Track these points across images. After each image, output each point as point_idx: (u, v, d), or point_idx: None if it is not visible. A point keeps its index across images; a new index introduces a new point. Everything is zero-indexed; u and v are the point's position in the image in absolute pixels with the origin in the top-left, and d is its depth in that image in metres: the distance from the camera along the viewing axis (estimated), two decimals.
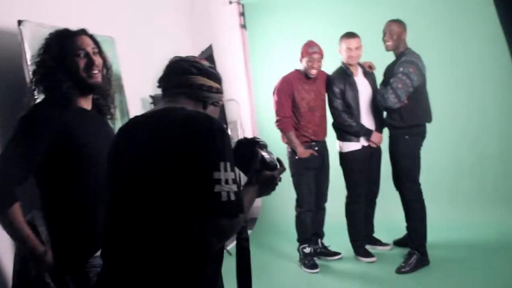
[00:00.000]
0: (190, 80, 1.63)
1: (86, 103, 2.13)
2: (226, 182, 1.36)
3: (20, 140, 1.96)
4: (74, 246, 2.00)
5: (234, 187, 1.38)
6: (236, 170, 1.50)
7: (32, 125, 1.96)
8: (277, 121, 4.20)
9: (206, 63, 1.70)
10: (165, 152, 1.41)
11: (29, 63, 3.12)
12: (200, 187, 1.36)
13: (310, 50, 4.08)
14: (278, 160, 1.73)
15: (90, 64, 2.06)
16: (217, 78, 1.71)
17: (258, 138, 1.73)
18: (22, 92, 3.04)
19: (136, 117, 1.63)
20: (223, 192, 1.35)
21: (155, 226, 1.40)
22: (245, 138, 1.74)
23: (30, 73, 3.03)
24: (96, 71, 2.08)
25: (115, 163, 1.57)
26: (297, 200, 4.32)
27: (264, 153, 1.68)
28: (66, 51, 2.05)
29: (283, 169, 1.73)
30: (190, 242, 1.39)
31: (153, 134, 1.47)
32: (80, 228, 2.00)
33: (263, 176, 1.65)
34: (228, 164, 1.39)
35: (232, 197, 1.36)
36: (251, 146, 1.69)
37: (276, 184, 1.70)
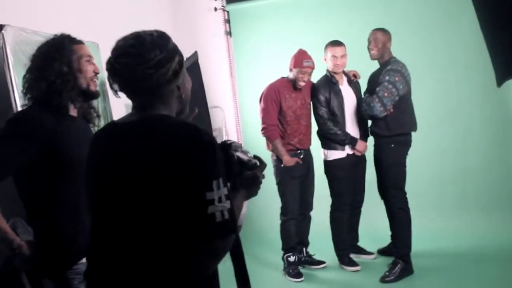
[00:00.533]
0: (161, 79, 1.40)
1: (74, 110, 2.11)
2: (220, 200, 1.30)
3: (6, 139, 1.92)
4: (57, 253, 1.96)
5: (228, 204, 1.31)
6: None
7: (22, 128, 1.93)
8: (263, 129, 4.18)
9: (155, 33, 1.44)
10: (154, 170, 1.33)
11: (11, 67, 3.09)
12: (192, 209, 1.30)
13: (305, 63, 4.05)
14: (257, 157, 1.66)
15: (95, 72, 2.08)
16: (175, 50, 1.45)
17: (230, 140, 1.64)
18: (4, 96, 3.02)
19: (115, 125, 1.50)
20: (217, 213, 1.29)
21: (147, 250, 1.33)
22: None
23: (13, 75, 3.04)
24: (96, 79, 2.09)
25: (97, 175, 1.47)
26: (282, 208, 4.30)
27: (239, 154, 1.60)
28: (77, 57, 2.04)
29: (263, 165, 1.66)
30: (185, 266, 1.34)
31: (138, 150, 1.37)
32: (63, 237, 1.97)
33: (246, 178, 1.59)
34: (221, 180, 1.32)
35: (226, 216, 1.30)
36: (225, 150, 1.58)
37: (260, 182, 1.64)
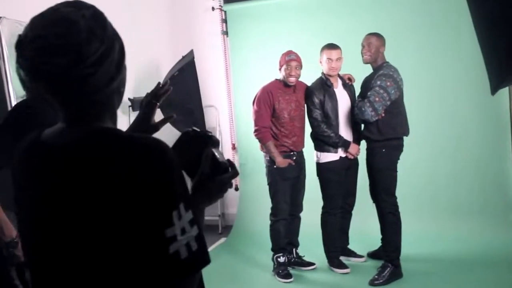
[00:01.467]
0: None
1: None
2: (183, 232, 1.02)
3: (6, 128, 1.96)
4: None
5: (194, 231, 1.04)
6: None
7: (22, 117, 1.95)
8: (255, 131, 4.20)
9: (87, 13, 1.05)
10: (99, 211, 1.00)
11: (6, 59, 3.09)
12: (149, 253, 1.01)
13: (287, 57, 4.10)
14: (231, 162, 1.36)
15: None
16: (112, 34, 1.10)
17: (210, 132, 1.37)
18: None
19: (44, 145, 1.12)
20: (181, 248, 1.01)
21: None
22: (194, 131, 1.36)
23: (8, 67, 3.04)
24: None
25: (26, 207, 1.15)
26: (272, 209, 4.32)
27: (217, 154, 1.34)
28: None
29: (235, 173, 1.34)
30: None
31: (80, 185, 1.02)
32: None
33: (216, 182, 1.29)
34: (182, 206, 1.03)
35: (194, 247, 1.03)
36: (201, 143, 1.34)
37: (226, 190, 1.33)
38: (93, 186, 1.01)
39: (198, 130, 1.36)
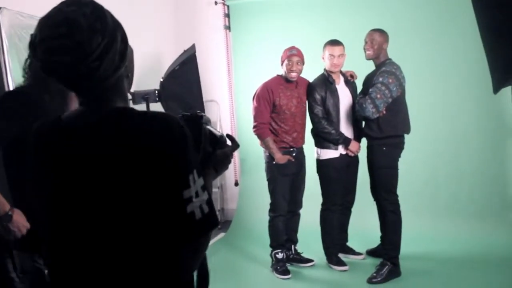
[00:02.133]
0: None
1: (76, 98, 2.12)
2: (197, 195, 1.17)
3: (5, 111, 1.99)
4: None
5: (205, 195, 1.19)
6: None
7: (15, 104, 1.98)
8: (254, 127, 4.19)
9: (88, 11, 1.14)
10: (123, 176, 1.15)
11: (5, 50, 3.08)
12: (169, 211, 1.16)
13: (289, 52, 4.09)
14: (230, 136, 1.54)
15: None
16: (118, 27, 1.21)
17: (199, 112, 1.47)
18: None
19: (65, 124, 1.25)
20: (196, 209, 1.16)
21: (122, 261, 1.18)
22: (184, 115, 1.45)
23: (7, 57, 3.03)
24: None
25: (53, 185, 1.25)
26: (271, 205, 4.31)
27: (211, 129, 1.47)
28: None
29: (236, 146, 1.53)
30: (168, 271, 1.21)
31: (103, 155, 1.17)
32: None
33: (217, 156, 1.45)
34: (195, 172, 1.19)
35: (206, 210, 1.18)
36: (195, 124, 1.43)
37: (230, 161, 1.50)
38: (119, 158, 1.15)
39: (189, 113, 1.45)
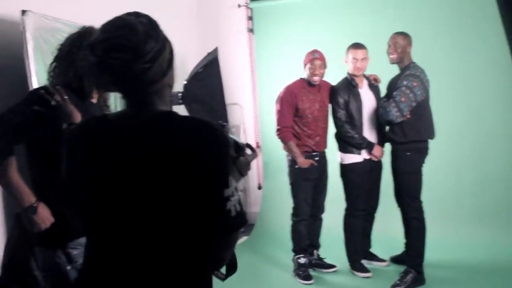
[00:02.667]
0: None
1: (95, 96, 2.20)
2: (233, 194, 1.30)
3: (29, 103, 2.03)
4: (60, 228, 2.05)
5: (238, 195, 1.33)
6: None
7: (41, 99, 2.02)
8: (277, 130, 4.17)
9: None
10: (167, 174, 1.26)
11: (30, 52, 3.11)
12: (210, 207, 1.28)
13: (311, 56, 4.07)
14: (249, 145, 1.72)
15: None
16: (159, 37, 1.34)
17: (222, 122, 1.56)
18: (21, 79, 3.06)
19: (112, 124, 1.36)
20: (232, 207, 1.29)
21: (161, 247, 1.30)
22: None
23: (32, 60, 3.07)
24: None
25: (99, 180, 1.33)
26: (294, 209, 4.28)
27: (234, 138, 1.61)
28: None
29: (255, 154, 1.72)
30: (202, 263, 1.35)
31: (149, 153, 1.27)
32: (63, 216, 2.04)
33: (242, 161, 1.63)
34: (232, 174, 1.34)
35: (238, 208, 1.31)
36: None
37: (250, 168, 1.69)
38: (165, 157, 1.26)
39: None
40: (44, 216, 2.06)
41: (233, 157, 1.54)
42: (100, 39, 1.26)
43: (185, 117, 1.34)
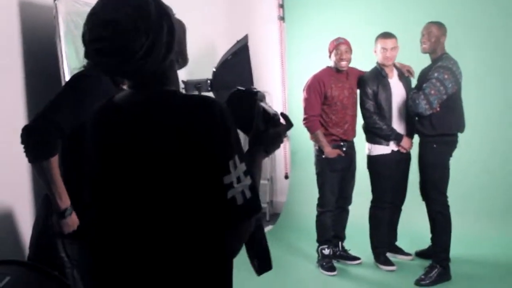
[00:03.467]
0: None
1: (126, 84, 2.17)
2: (238, 180, 1.17)
3: (70, 93, 2.05)
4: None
5: (248, 180, 1.19)
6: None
7: (84, 84, 2.05)
8: (304, 119, 4.13)
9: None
10: (164, 156, 1.18)
11: (62, 37, 3.16)
12: (209, 196, 1.17)
13: (336, 42, 4.03)
14: (284, 115, 1.51)
15: None
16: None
17: (255, 88, 1.46)
18: (53, 64, 3.11)
19: (117, 105, 1.31)
20: (237, 195, 1.16)
21: (162, 242, 1.21)
22: (238, 89, 1.45)
23: (64, 44, 3.11)
24: None
25: (103, 160, 1.31)
26: (319, 200, 4.26)
27: (265, 106, 1.43)
28: None
29: (290, 125, 1.49)
30: (210, 255, 1.24)
31: (148, 134, 1.20)
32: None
33: (269, 135, 1.42)
34: (237, 158, 1.18)
35: (248, 195, 1.18)
36: (249, 99, 1.42)
37: (282, 141, 1.48)
38: (161, 137, 1.17)
39: (243, 89, 1.45)
40: (75, 220, 2.10)
41: (259, 130, 1.40)
42: (88, 40, 1.20)
43: (185, 95, 1.28)
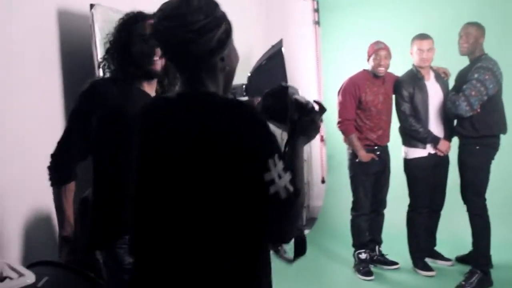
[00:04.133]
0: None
1: (149, 87, 2.13)
2: (279, 177, 1.24)
3: (78, 114, 2.05)
4: (108, 223, 2.04)
5: (288, 176, 1.26)
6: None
7: (88, 99, 2.03)
8: (338, 122, 4.12)
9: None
10: (204, 152, 1.26)
11: (98, 45, 3.24)
12: (254, 193, 1.25)
13: (376, 47, 3.99)
14: (317, 101, 1.56)
15: (151, 51, 2.02)
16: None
17: (285, 84, 1.54)
18: (90, 72, 3.19)
19: (163, 99, 1.50)
20: (281, 189, 1.24)
21: (205, 236, 1.28)
22: (271, 89, 1.54)
23: (99, 52, 3.18)
24: (156, 58, 2.03)
25: (145, 152, 1.41)
26: (353, 203, 4.23)
27: (297, 97, 1.50)
28: (132, 35, 2.05)
29: (323, 110, 1.53)
30: (252, 253, 1.34)
31: (187, 128, 1.30)
32: (118, 206, 2.00)
33: (304, 124, 1.47)
34: (276, 156, 1.25)
35: (291, 189, 1.25)
36: (281, 94, 1.49)
37: (319, 126, 1.51)
38: (199, 138, 1.26)
39: (274, 88, 1.54)
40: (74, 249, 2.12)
41: (293, 120, 1.46)
42: (158, 9, 1.36)
43: (223, 99, 1.36)
